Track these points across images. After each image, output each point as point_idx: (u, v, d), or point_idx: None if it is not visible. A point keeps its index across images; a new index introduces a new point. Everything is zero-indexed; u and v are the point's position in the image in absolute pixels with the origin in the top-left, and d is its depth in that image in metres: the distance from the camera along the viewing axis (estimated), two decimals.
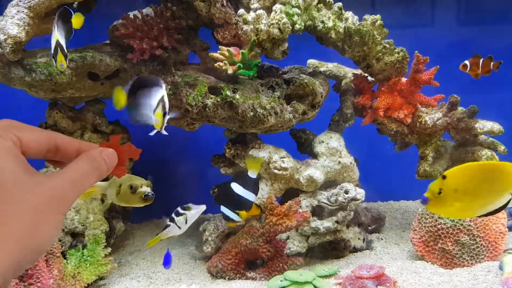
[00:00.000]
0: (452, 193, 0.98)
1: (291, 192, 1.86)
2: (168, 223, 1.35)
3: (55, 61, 1.23)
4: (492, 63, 1.78)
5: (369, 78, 1.98)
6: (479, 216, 1.09)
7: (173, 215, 1.34)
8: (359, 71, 1.99)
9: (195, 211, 1.33)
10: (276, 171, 1.76)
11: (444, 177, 0.97)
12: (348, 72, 2.06)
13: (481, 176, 0.99)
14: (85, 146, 0.50)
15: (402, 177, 2.48)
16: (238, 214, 1.39)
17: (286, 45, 1.67)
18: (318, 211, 1.81)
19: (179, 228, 1.34)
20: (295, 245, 1.77)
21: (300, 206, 1.75)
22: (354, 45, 1.75)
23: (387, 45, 1.80)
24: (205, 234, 1.86)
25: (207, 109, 1.66)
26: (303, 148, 2.00)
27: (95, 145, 0.51)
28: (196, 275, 1.77)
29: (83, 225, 1.72)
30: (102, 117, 1.95)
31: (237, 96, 1.66)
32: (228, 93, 1.66)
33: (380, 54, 1.79)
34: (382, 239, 2.01)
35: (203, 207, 1.35)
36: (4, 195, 0.39)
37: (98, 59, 1.65)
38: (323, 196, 1.78)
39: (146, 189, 0.94)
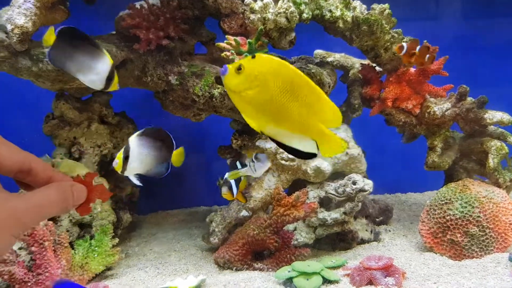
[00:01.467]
0: (251, 77, 0.84)
1: (298, 183, 1.85)
2: (247, 162, 1.44)
3: (109, 83, 1.22)
4: (427, 55, 1.67)
5: (377, 68, 1.96)
6: (276, 143, 0.90)
7: (253, 158, 1.41)
8: (366, 62, 1.97)
9: (261, 164, 1.40)
10: (283, 162, 1.75)
11: (254, 56, 0.85)
12: (356, 62, 2.04)
13: (294, 88, 0.84)
14: (57, 176, 0.50)
15: (409, 170, 2.46)
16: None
17: (293, 34, 1.65)
18: (325, 202, 1.80)
19: (254, 171, 1.42)
20: (302, 236, 1.77)
21: (308, 197, 1.74)
22: (362, 35, 1.73)
23: (396, 35, 1.78)
24: (212, 225, 1.86)
25: (214, 99, 1.65)
26: None
27: (67, 177, 0.51)
28: (203, 266, 1.76)
29: (91, 216, 1.72)
30: (109, 108, 1.95)
31: None
32: None
33: (388, 44, 1.78)
34: (389, 231, 2.00)
35: (268, 164, 1.42)
36: None
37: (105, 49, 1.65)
38: (331, 187, 1.77)
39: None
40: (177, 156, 1.27)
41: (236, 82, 0.86)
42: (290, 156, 1.74)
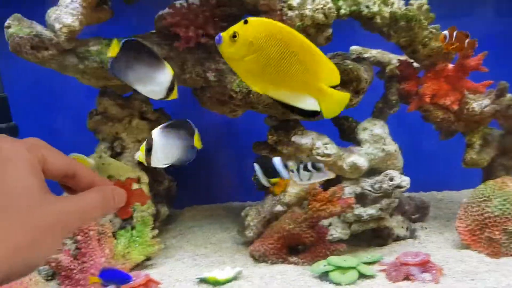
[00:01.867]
0: (247, 44, 0.84)
1: (333, 179, 1.86)
2: (292, 168, 1.39)
3: (169, 93, 1.26)
4: (467, 40, 1.67)
5: (415, 64, 1.95)
6: (278, 102, 0.91)
7: (301, 165, 1.37)
8: (404, 58, 1.96)
9: (322, 174, 1.36)
10: (319, 157, 1.77)
11: (246, 22, 0.84)
12: (393, 58, 2.03)
13: (290, 50, 0.84)
14: (99, 180, 0.52)
15: (445, 167, 2.43)
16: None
17: (330, 30, 1.67)
18: (361, 199, 1.80)
19: (300, 180, 1.38)
20: (337, 231, 1.78)
21: (343, 193, 1.75)
22: (400, 30, 1.72)
23: (434, 30, 1.77)
24: (247, 220, 1.89)
25: (251, 95, 1.68)
26: (345, 136, 1.99)
27: (109, 182, 0.53)
28: (239, 258, 1.80)
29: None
30: (148, 105, 2.01)
31: None
32: None
33: (426, 40, 1.76)
34: (425, 228, 1.99)
35: (331, 175, 1.40)
36: (16, 206, 0.41)
37: None
38: (367, 183, 1.77)
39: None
40: (197, 140, 1.31)
41: (232, 50, 0.86)
42: (326, 151, 1.76)
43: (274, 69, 0.86)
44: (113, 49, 1.19)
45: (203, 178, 2.52)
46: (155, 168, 2.09)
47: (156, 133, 1.26)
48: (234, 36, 0.84)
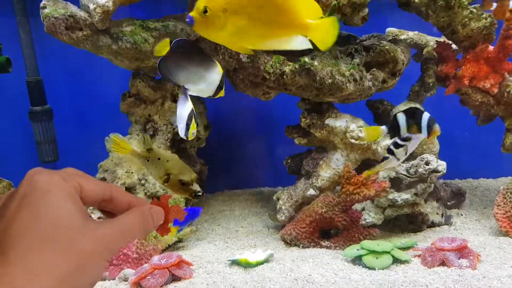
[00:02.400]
0: (221, 13, 0.82)
1: (366, 164, 1.83)
2: (386, 155, 1.34)
3: (218, 92, 1.26)
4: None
5: (453, 46, 1.89)
6: (268, 52, 0.91)
7: (391, 147, 1.32)
8: (442, 39, 1.90)
9: (415, 140, 1.29)
10: (353, 140, 1.74)
11: None
12: (430, 40, 1.97)
13: (265, 1, 0.84)
14: (136, 201, 0.53)
15: (482, 154, 2.36)
16: None
17: (367, 10, 1.63)
18: (395, 183, 1.76)
19: (398, 159, 1.33)
20: (370, 216, 1.75)
21: (377, 178, 1.72)
22: (439, 10, 1.66)
23: (474, 10, 1.70)
24: (279, 203, 1.88)
25: (284, 77, 1.66)
26: (380, 119, 1.95)
27: (146, 201, 0.54)
28: (270, 242, 1.79)
29: (164, 190, 1.79)
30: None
31: (316, 63, 1.64)
32: (307, 59, 1.64)
33: (466, 20, 1.70)
34: (461, 215, 1.94)
35: (421, 136, 1.29)
36: (58, 235, 0.42)
37: (180, 28, 1.70)
38: (402, 168, 1.73)
39: (196, 187, 0.97)
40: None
41: (208, 26, 0.85)
42: (360, 134, 1.72)
43: (256, 25, 0.86)
44: (163, 48, 1.17)
45: (234, 164, 2.51)
46: (187, 150, 2.12)
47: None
48: (205, 11, 0.82)
